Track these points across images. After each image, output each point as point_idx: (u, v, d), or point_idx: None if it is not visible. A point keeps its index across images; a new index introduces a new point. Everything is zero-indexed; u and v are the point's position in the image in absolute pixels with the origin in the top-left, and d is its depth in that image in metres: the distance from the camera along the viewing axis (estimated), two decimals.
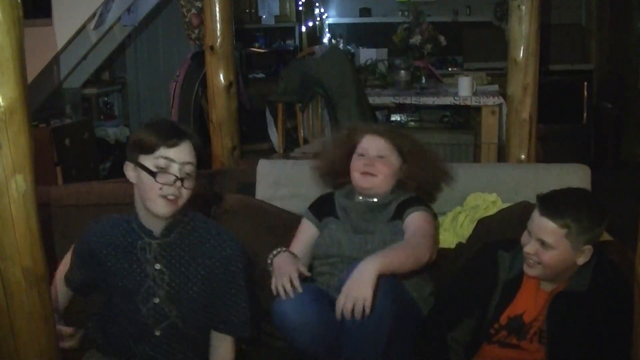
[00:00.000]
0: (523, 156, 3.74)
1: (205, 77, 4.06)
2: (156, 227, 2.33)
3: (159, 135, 2.22)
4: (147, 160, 2.23)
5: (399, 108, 5.86)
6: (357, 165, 2.81)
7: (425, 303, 2.69)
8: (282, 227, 3.03)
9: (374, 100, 5.18)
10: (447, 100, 5.12)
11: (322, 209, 2.90)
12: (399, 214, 2.74)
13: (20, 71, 1.78)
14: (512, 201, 2.96)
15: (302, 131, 4.90)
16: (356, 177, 2.81)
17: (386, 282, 2.36)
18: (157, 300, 2.31)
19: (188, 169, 2.25)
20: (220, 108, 4.00)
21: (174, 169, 2.22)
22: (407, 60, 5.78)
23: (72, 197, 3.03)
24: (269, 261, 2.64)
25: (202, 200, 3.05)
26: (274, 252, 2.66)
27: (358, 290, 2.29)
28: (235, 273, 2.37)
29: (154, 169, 2.21)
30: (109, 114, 7.07)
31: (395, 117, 6.14)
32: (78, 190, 3.08)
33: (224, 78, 3.97)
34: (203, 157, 2.37)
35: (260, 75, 7.33)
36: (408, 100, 5.19)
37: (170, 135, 2.23)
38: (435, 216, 2.81)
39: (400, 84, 5.62)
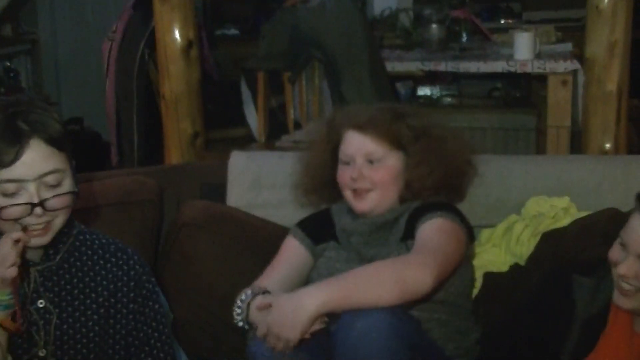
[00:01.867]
0: (608, 145, 3.74)
1: (154, 34, 4.06)
2: (34, 252, 2.29)
3: None
4: None
5: (430, 78, 5.86)
6: (343, 179, 2.82)
7: (467, 354, 2.70)
8: (266, 246, 3.04)
9: (393, 66, 5.18)
10: (499, 66, 5.11)
11: (318, 230, 2.92)
12: (410, 228, 2.75)
13: None
14: (592, 208, 2.97)
15: (292, 111, 4.90)
16: (348, 196, 2.82)
17: (393, 327, 2.35)
18: (42, 353, 2.29)
19: (51, 179, 2.18)
20: (176, 78, 4.00)
21: (29, 191, 2.15)
22: (442, 10, 5.77)
23: None
24: (237, 310, 2.60)
25: (144, 210, 3.05)
26: (246, 294, 2.63)
27: (282, 328, 2.35)
28: (150, 300, 2.40)
29: (1, 201, 2.15)
30: (13, 86, 7.06)
31: (424, 91, 6.13)
32: None
33: (180, 36, 3.98)
34: (74, 135, 2.30)
35: (233, 31, 7.33)
36: (442, 67, 5.18)
37: (5, 144, 2.12)
38: (461, 222, 2.80)
39: (432, 44, 5.61)
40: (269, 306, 2.46)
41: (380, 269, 2.50)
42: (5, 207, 2.14)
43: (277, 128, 4.96)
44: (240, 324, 2.58)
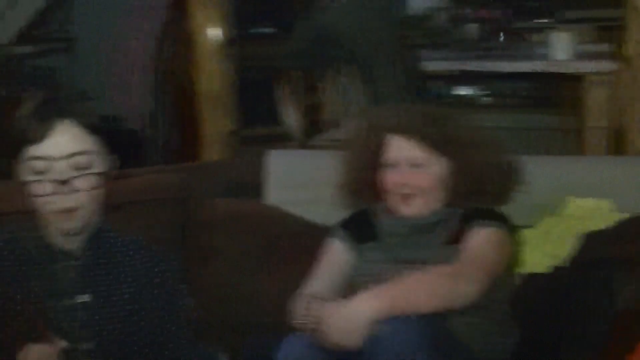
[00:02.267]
0: None
1: (189, 32, 4.05)
2: (74, 244, 2.33)
3: (20, 127, 2.20)
4: (23, 166, 2.22)
5: (464, 77, 5.84)
6: (388, 183, 2.80)
7: (504, 358, 2.68)
8: (296, 244, 3.04)
9: (428, 66, 5.17)
10: (534, 66, 5.11)
11: (359, 230, 2.90)
12: (458, 233, 2.73)
13: None
14: (632, 209, 2.93)
15: (327, 110, 4.89)
16: (392, 200, 2.80)
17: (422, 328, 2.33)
18: (84, 347, 2.30)
19: (80, 161, 2.21)
20: (211, 76, 3.99)
21: (56, 169, 2.19)
22: (477, 9, 5.75)
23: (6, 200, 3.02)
24: (295, 315, 2.60)
25: (174, 207, 3.04)
26: (301, 299, 2.63)
27: (338, 336, 2.32)
28: (175, 297, 2.43)
29: (31, 178, 2.20)
30: (50, 84, 7.08)
31: (458, 91, 6.11)
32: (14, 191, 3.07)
33: (216, 34, 3.96)
34: (108, 132, 2.35)
35: (268, 29, 7.32)
36: (477, 67, 5.18)
37: (35, 122, 2.19)
38: (512, 234, 2.78)
39: (467, 43, 5.60)
40: (322, 314, 2.42)
41: (432, 278, 2.48)
42: (33, 182, 2.19)
43: (312, 126, 4.95)
44: (298, 326, 2.55)
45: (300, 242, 3.03)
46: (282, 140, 4.88)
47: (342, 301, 2.38)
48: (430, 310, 2.41)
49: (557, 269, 2.91)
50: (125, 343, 2.35)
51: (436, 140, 2.76)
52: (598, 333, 2.44)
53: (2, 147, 2.24)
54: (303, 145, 4.69)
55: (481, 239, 2.66)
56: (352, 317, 2.33)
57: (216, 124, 4.03)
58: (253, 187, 3.30)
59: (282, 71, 4.97)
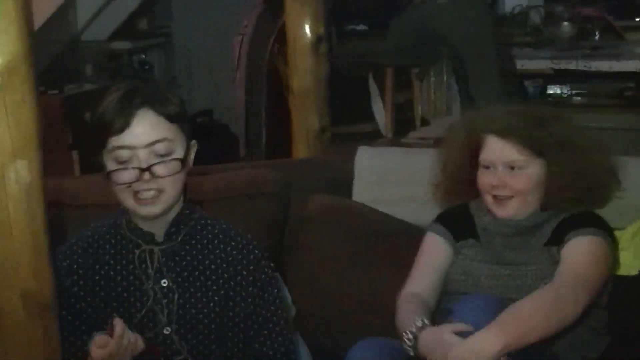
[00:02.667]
0: None
1: (284, 29, 4.06)
2: (158, 228, 2.37)
3: (100, 118, 2.24)
4: (106, 156, 2.27)
5: (560, 76, 5.76)
6: (483, 184, 2.77)
7: (592, 345, 2.66)
8: (390, 242, 3.03)
9: (522, 64, 5.16)
10: (632, 66, 5.04)
11: (458, 226, 2.87)
12: (558, 236, 2.69)
13: (24, 16, 1.79)
14: None
15: (419, 108, 4.87)
16: (488, 200, 2.78)
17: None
18: (166, 331, 2.34)
19: (161, 148, 2.25)
20: (305, 73, 3.99)
21: (138, 157, 2.23)
22: (573, 7, 5.68)
23: (93, 192, 3.05)
24: (407, 341, 2.51)
25: (270, 203, 3.05)
26: (416, 324, 2.53)
27: None
28: (269, 285, 2.43)
29: (114, 167, 2.24)
30: (147, 79, 7.16)
31: (553, 89, 6.03)
32: (101, 184, 3.10)
33: (310, 31, 3.96)
34: (203, 127, 2.37)
35: (362, 27, 7.31)
36: (573, 65, 5.14)
37: (115, 113, 2.22)
38: (611, 239, 2.73)
39: (562, 42, 5.54)
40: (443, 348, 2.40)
41: (543, 304, 2.45)
42: (116, 170, 2.23)
43: (403, 124, 4.94)
44: (410, 352, 2.50)
45: (393, 241, 3.05)
46: (373, 137, 4.87)
47: (465, 341, 2.34)
48: (541, 338, 2.40)
49: None
50: (212, 329, 2.37)
51: (534, 141, 2.72)
52: None
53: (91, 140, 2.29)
54: (393, 143, 4.67)
55: (584, 253, 2.62)
56: (477, 356, 2.30)
57: (308, 121, 4.03)
58: (346, 184, 3.31)
59: (374, 69, 4.96)
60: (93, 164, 2.34)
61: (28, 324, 1.86)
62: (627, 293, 2.78)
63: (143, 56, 7.30)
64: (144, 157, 2.22)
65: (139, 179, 2.22)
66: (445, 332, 2.40)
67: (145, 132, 2.23)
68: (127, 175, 2.23)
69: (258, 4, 5.30)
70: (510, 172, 2.72)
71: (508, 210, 2.73)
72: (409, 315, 2.54)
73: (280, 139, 4.68)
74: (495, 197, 2.74)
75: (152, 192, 2.25)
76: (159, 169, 2.24)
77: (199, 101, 7.49)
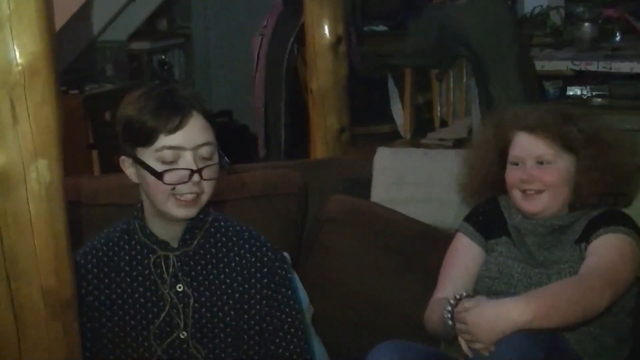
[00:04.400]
0: None
1: (304, 29, 4.06)
2: (172, 235, 2.38)
3: (153, 116, 2.24)
4: (147, 155, 2.26)
5: (580, 77, 5.74)
6: (512, 179, 2.77)
7: (615, 351, 2.66)
8: (409, 243, 3.03)
9: (542, 65, 5.14)
10: None
11: (489, 224, 2.87)
12: (588, 234, 2.69)
13: (46, 16, 1.80)
14: None
15: (438, 109, 4.86)
16: (516, 197, 2.77)
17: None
18: (182, 335, 2.35)
19: (205, 151, 2.27)
20: (324, 74, 3.99)
21: (186, 159, 2.24)
22: (594, 8, 5.66)
23: (113, 192, 3.07)
24: (447, 314, 2.52)
25: (289, 203, 3.06)
26: (455, 298, 2.55)
27: (480, 331, 2.33)
28: (284, 286, 2.44)
29: (158, 167, 2.24)
30: (166, 78, 7.18)
31: (573, 91, 6.01)
32: (121, 184, 3.12)
33: (329, 31, 3.96)
34: (217, 123, 2.37)
35: (381, 27, 7.30)
36: (593, 67, 5.12)
37: (169, 112, 2.23)
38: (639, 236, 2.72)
39: (583, 43, 5.51)
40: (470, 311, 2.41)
41: (570, 290, 2.47)
42: (168, 170, 2.23)
43: (423, 125, 4.94)
44: (450, 322, 2.50)
45: (412, 242, 3.06)
46: (392, 138, 4.87)
47: (495, 301, 2.38)
48: (565, 324, 2.43)
49: None
50: (227, 332, 2.38)
51: (563, 136, 2.73)
52: None
53: (125, 136, 2.31)
54: (412, 144, 4.67)
55: (613, 249, 2.62)
56: (503, 318, 2.32)
57: (327, 121, 4.03)
58: (365, 184, 3.32)
59: (393, 69, 4.96)
60: (112, 164, 2.35)
61: (49, 321, 1.87)
62: None
63: (162, 56, 7.31)
64: (190, 159, 2.24)
65: (189, 180, 2.23)
66: (482, 299, 2.44)
67: (195, 134, 2.25)
68: (178, 176, 2.23)
69: (277, 4, 5.30)
70: (540, 167, 2.72)
71: (537, 205, 2.72)
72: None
73: (300, 140, 4.69)
74: (524, 192, 2.73)
75: (193, 195, 2.26)
76: (207, 172, 2.26)
77: (218, 101, 7.50)
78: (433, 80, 4.86)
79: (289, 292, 2.46)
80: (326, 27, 3.97)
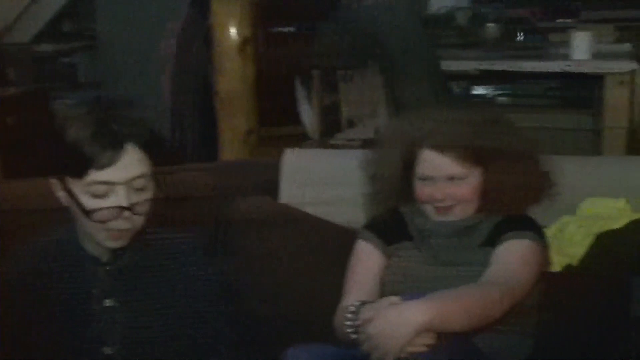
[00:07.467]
0: None
1: (211, 31, 4.07)
2: (102, 252, 2.34)
3: (85, 149, 2.16)
4: (78, 187, 2.20)
5: (485, 77, 5.83)
6: (424, 197, 2.76)
7: (521, 347, 2.69)
8: (322, 244, 3.06)
9: (449, 65, 5.17)
10: (555, 66, 5.10)
11: (390, 230, 2.87)
12: (494, 238, 2.72)
13: None
14: None
15: (346, 109, 4.89)
16: (428, 209, 2.77)
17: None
18: (109, 351, 2.33)
19: (139, 183, 2.22)
20: (231, 75, 4.01)
21: (118, 194, 2.19)
22: (499, 9, 5.75)
23: (17, 198, 3.04)
24: (348, 322, 2.50)
25: (199, 206, 3.06)
26: (354, 304, 2.53)
27: (383, 339, 2.30)
28: (216, 296, 2.43)
29: (89, 200, 2.19)
30: (72, 81, 7.11)
31: (479, 90, 6.11)
32: (26, 189, 3.10)
33: (237, 33, 3.98)
34: (157, 144, 2.34)
35: (289, 29, 7.32)
36: (498, 66, 5.18)
37: (102, 146, 2.16)
38: (545, 246, 2.77)
39: (488, 43, 5.59)
40: (371, 316, 2.38)
41: (470, 297, 2.47)
42: (96, 209, 2.17)
43: (330, 126, 4.96)
44: (353, 335, 2.47)
45: (325, 243, 3.06)
46: (300, 139, 4.88)
47: (396, 305, 2.35)
48: (462, 329, 2.41)
49: (570, 268, 2.93)
50: (158, 347, 2.36)
51: (472, 153, 2.71)
52: (614, 333, 2.45)
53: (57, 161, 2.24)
54: (320, 145, 4.69)
55: (516, 255, 2.64)
56: (402, 323, 2.30)
57: (235, 123, 4.05)
58: (274, 186, 3.31)
59: (301, 70, 4.97)
60: (17, 169, 2.31)
61: None
62: (552, 289, 2.80)
63: (68, 59, 7.23)
64: (123, 193, 2.18)
65: (117, 217, 2.19)
66: (383, 302, 2.40)
67: (128, 168, 2.18)
68: (107, 214, 2.18)
69: (185, 6, 5.29)
70: (451, 183, 2.70)
71: (451, 217, 2.74)
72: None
73: (209, 142, 4.69)
74: (436, 207, 2.74)
75: (126, 229, 2.23)
76: (140, 208, 2.22)
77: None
78: (341, 81, 4.89)
79: (219, 300, 2.45)
80: (234, 29, 3.98)
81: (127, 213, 2.19)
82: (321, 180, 3.28)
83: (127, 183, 2.18)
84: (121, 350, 2.33)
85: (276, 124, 5.04)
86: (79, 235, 2.33)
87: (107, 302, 2.33)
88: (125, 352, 2.33)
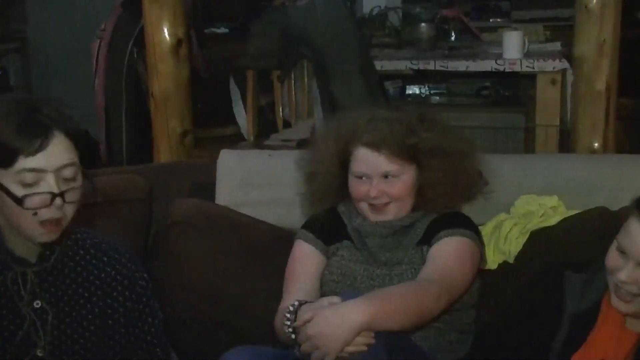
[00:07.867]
0: (597, 144, 3.75)
1: (143, 32, 4.04)
2: (31, 251, 2.31)
3: (13, 137, 2.14)
4: (7, 177, 2.17)
5: (419, 76, 5.86)
6: (358, 194, 2.78)
7: (459, 344, 2.72)
8: (258, 245, 3.05)
9: (382, 65, 5.20)
10: (487, 65, 5.12)
11: (328, 230, 2.89)
12: (429, 236, 2.75)
13: None
14: (581, 207, 2.98)
15: (281, 110, 4.89)
16: (363, 208, 2.79)
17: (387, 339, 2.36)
18: (40, 353, 2.30)
19: (68, 172, 2.20)
20: (165, 77, 3.98)
21: (48, 182, 2.17)
22: (431, 9, 5.77)
23: None
24: (287, 322, 2.48)
25: (134, 209, 3.04)
26: (293, 304, 2.52)
27: (322, 340, 2.30)
28: (145, 296, 2.42)
29: (19, 190, 2.16)
30: (1, 85, 7.04)
31: (413, 90, 6.13)
32: None
33: (169, 34, 3.96)
34: (87, 141, 2.34)
35: (223, 30, 7.30)
36: (431, 66, 5.19)
37: (30, 133, 2.15)
38: (479, 243, 2.81)
39: (421, 43, 5.62)
40: (310, 316, 2.38)
41: (406, 295, 2.48)
42: (27, 195, 2.15)
43: (266, 127, 4.95)
44: (292, 335, 2.46)
45: (261, 244, 3.06)
46: (235, 140, 4.87)
47: (334, 306, 2.35)
48: (401, 327, 2.42)
49: (506, 265, 2.96)
50: (88, 348, 2.34)
51: (406, 150, 2.73)
52: (548, 327, 2.46)
53: None
54: (256, 146, 4.68)
55: (452, 252, 2.67)
56: (342, 324, 2.30)
57: (169, 124, 4.02)
58: (209, 188, 3.30)
59: (236, 71, 4.96)
60: None
61: None
62: (488, 286, 2.85)
63: None
64: (53, 181, 2.16)
65: (50, 205, 2.16)
66: (322, 302, 2.41)
67: (58, 156, 2.16)
68: (39, 200, 2.15)
69: (116, 6, 5.25)
70: (385, 181, 2.72)
71: (386, 216, 2.76)
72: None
73: (143, 144, 4.66)
74: (371, 204, 2.76)
75: (57, 218, 2.20)
76: (71, 195, 2.20)
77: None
78: (275, 82, 4.88)
79: (150, 302, 2.44)
80: (166, 30, 3.96)
81: (58, 200, 2.16)
82: (257, 181, 3.26)
83: (57, 171, 2.17)
84: (52, 352, 2.31)
85: (212, 126, 5.03)
86: (5, 236, 2.29)
87: (37, 304, 2.31)
88: (57, 354, 2.31)
